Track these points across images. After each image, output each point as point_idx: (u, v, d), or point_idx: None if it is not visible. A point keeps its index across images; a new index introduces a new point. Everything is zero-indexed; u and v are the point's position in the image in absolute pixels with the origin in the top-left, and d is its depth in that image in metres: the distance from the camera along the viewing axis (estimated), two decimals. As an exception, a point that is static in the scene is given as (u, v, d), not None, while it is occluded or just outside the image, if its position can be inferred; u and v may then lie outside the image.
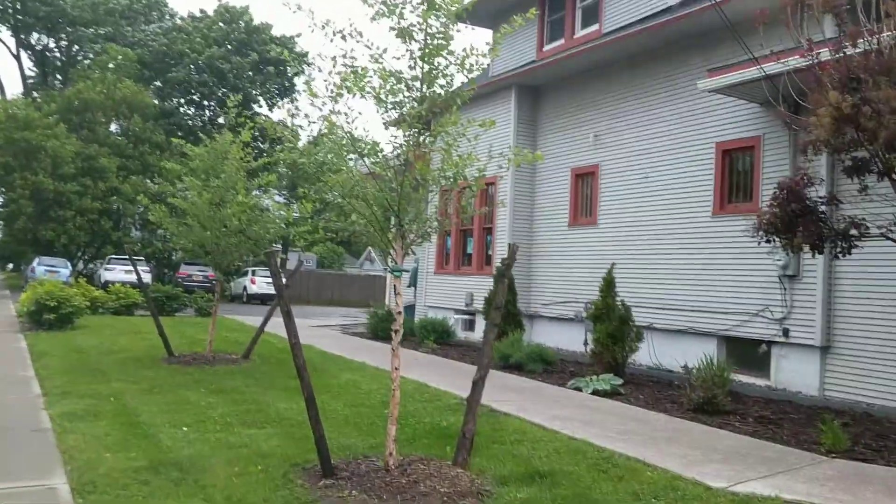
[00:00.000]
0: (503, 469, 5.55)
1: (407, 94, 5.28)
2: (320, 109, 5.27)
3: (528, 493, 5.00)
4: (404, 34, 5.26)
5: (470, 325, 17.47)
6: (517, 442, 6.42)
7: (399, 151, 5.23)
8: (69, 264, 33.87)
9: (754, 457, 6.21)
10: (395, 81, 5.32)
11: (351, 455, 5.79)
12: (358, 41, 5.32)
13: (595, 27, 15.09)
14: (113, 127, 40.36)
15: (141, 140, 38.98)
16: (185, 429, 6.61)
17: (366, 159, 5.33)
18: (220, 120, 43.54)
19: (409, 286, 21.94)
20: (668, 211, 12.93)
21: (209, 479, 5.11)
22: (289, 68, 45.42)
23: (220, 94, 43.48)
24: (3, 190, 35.41)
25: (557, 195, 15.70)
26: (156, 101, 41.86)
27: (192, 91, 44.15)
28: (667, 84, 13.20)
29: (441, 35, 5.25)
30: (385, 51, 5.32)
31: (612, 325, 10.91)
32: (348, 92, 5.14)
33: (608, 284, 11.28)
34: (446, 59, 5.21)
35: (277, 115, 45.71)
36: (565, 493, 5.00)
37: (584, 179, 15.13)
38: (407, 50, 5.30)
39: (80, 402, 7.57)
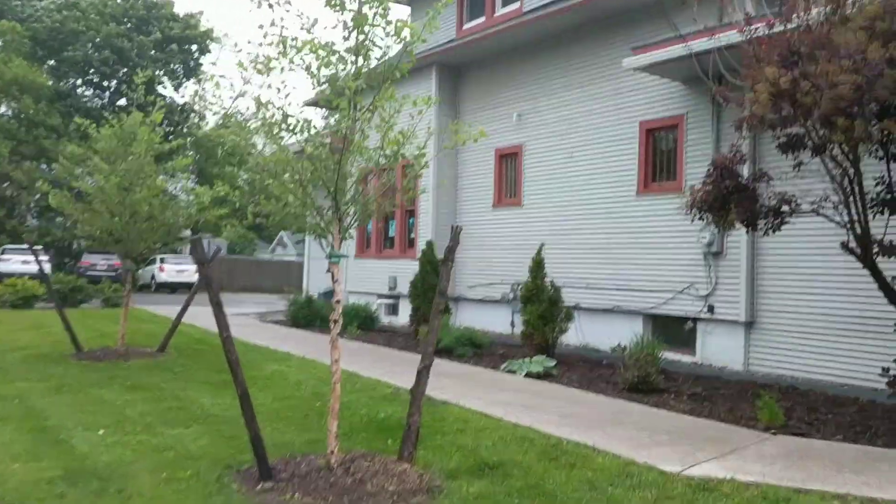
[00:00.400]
0: (450, 462, 5.30)
1: (342, 67, 4.91)
2: (250, 83, 4.85)
3: (480, 487, 4.76)
4: (336, 3, 4.88)
5: (393, 310, 17.18)
6: (460, 431, 6.18)
7: (337, 128, 4.86)
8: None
9: (699, 437, 6.16)
10: (325, 54, 4.94)
11: (288, 453, 5.43)
12: (287, 10, 4.92)
13: (516, 5, 14.90)
14: (2, 109, 37.88)
15: (35, 123, 36.72)
16: (101, 431, 6.09)
17: (298, 136, 4.94)
18: (122, 101, 41.52)
19: (327, 271, 21.44)
20: (593, 190, 12.92)
21: (134, 487, 4.67)
22: (194, 46, 43.70)
23: (121, 74, 41.42)
24: None
25: (481, 176, 15.51)
26: (50, 82, 39.44)
27: (91, 71, 41.85)
28: (590, 63, 13.14)
29: (376, 2, 4.90)
30: (316, 21, 4.94)
31: (543, 306, 10.82)
32: (287, 59, 4.73)
33: (537, 265, 11.17)
34: (384, 29, 4.86)
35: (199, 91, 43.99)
36: (518, 485, 4.80)
37: (509, 160, 14.98)
38: (339, 20, 4.93)
39: (-20, 407, 6.92)
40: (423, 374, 5.21)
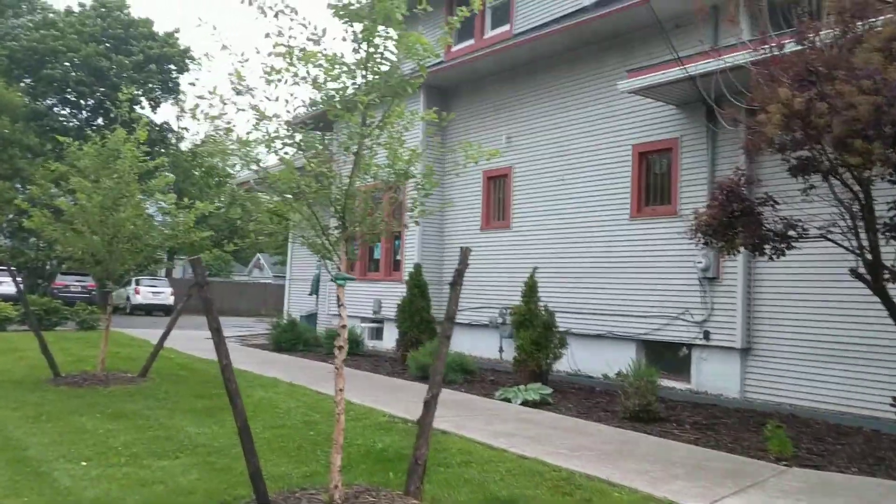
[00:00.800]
0: (459, 496, 5.02)
1: (350, 80, 4.68)
2: (252, 96, 4.59)
3: (494, 525, 4.50)
4: (350, 14, 4.65)
5: (378, 334, 16.85)
6: (465, 464, 5.89)
7: (346, 144, 4.62)
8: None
9: (714, 469, 5.92)
10: (330, 66, 4.71)
11: (286, 486, 5.11)
12: (293, 19, 4.69)
13: (506, 27, 14.84)
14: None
15: (10, 142, 36.05)
16: (84, 463, 5.72)
17: (304, 152, 4.69)
18: (99, 121, 40.95)
19: (310, 294, 21.08)
20: (585, 214, 12.76)
21: (123, 527, 4.34)
22: (172, 66, 43.30)
23: (99, 94, 40.88)
24: None
25: (469, 198, 15.31)
26: (26, 101, 38.80)
27: (68, 90, 41.23)
28: (582, 85, 13.04)
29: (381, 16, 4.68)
30: (325, 31, 4.71)
31: (536, 331, 10.59)
32: (292, 73, 4.49)
33: (531, 289, 10.95)
34: (397, 42, 4.64)
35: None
36: (534, 522, 4.53)
37: (497, 182, 14.81)
38: (348, 31, 4.71)
39: (-48, 437, 6.51)
40: (431, 405, 4.95)
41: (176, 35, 44.15)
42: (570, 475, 5.55)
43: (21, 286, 10.99)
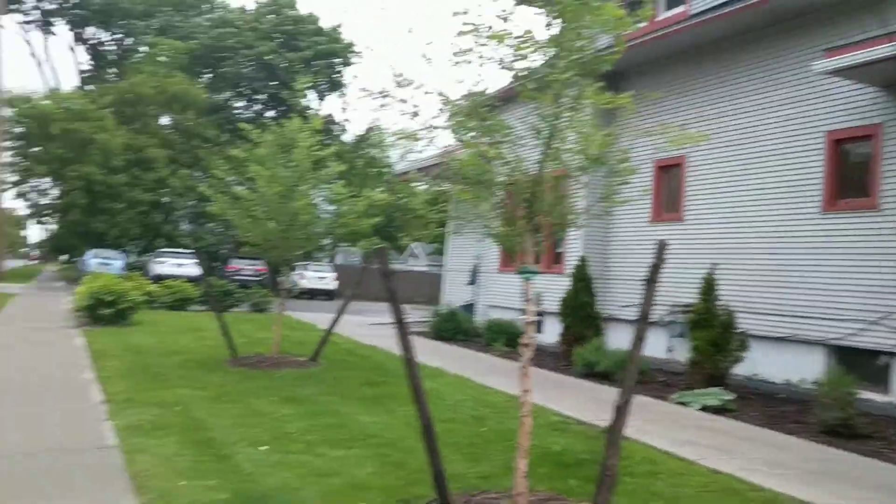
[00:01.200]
0: (651, 512, 4.61)
1: (544, 57, 4.37)
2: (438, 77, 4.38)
3: (694, 548, 4.06)
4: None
5: (537, 327, 16.46)
6: (651, 475, 5.45)
7: (538, 128, 4.31)
8: (124, 256, 33.59)
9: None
10: (519, 44, 4.41)
11: (462, 488, 4.89)
12: (483, -5, 4.42)
13: (682, 8, 13.98)
14: (165, 120, 40.06)
15: (192, 134, 38.61)
16: (263, 448, 5.78)
17: (496, 136, 4.42)
18: (271, 113, 43.03)
19: (468, 284, 21.04)
20: (767, 206, 11.78)
21: (307, 520, 4.26)
22: (336, 60, 44.77)
23: (270, 89, 42.98)
24: (58, 182, 35.42)
25: (637, 188, 14.60)
26: (206, 95, 41.41)
27: (242, 85, 43.63)
28: (765, 68, 12.04)
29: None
30: (515, 7, 4.42)
31: (715, 331, 9.89)
32: (478, 54, 4.24)
33: (709, 286, 10.24)
34: (595, 16, 4.28)
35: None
36: (740, 550, 4.06)
37: (669, 172, 14.04)
38: (542, 6, 4.40)
39: (144, 413, 6.77)
40: (623, 411, 4.54)
41: (339, 30, 45.62)
42: (775, 497, 4.99)
43: (205, 270, 11.53)
